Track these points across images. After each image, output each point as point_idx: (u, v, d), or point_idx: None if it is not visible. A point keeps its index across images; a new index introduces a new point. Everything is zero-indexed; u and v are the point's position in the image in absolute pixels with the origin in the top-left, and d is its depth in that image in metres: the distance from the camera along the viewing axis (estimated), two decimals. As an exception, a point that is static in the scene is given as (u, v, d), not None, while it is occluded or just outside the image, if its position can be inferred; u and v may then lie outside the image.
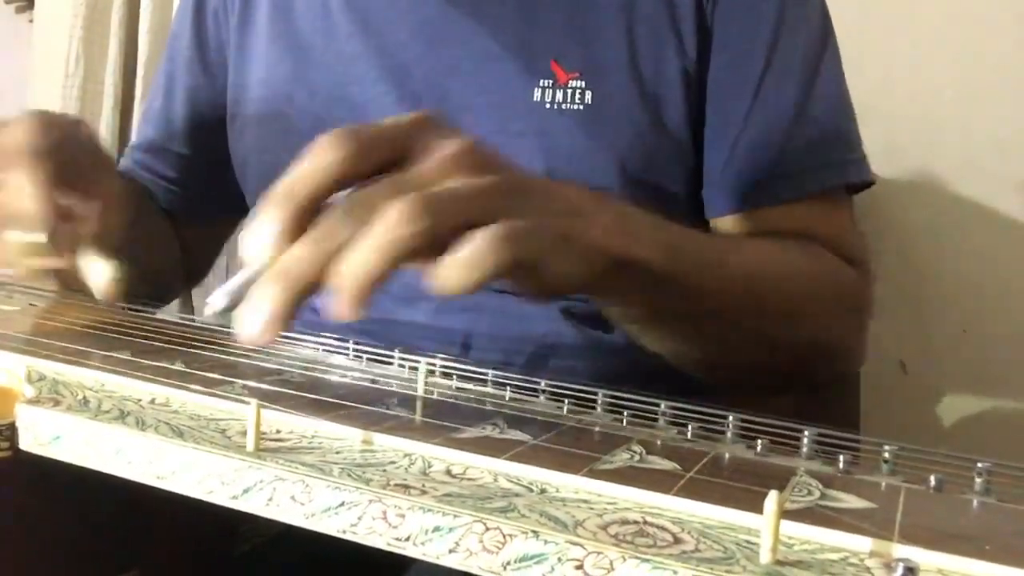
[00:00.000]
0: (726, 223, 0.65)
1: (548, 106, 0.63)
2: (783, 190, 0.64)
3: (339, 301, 0.34)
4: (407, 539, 0.27)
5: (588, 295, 0.47)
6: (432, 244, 0.34)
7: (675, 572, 0.24)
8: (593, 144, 0.63)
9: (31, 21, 1.63)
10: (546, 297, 0.41)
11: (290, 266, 0.34)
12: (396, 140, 0.37)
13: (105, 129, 1.44)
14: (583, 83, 0.63)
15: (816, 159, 0.65)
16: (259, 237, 0.35)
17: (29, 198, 0.52)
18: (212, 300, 0.36)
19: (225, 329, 0.57)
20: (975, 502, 0.32)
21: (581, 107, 0.63)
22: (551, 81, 0.64)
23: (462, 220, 0.35)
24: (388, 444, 0.34)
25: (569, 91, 0.63)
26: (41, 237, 0.53)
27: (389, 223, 0.34)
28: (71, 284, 0.75)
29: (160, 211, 0.80)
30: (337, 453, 0.32)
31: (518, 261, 0.36)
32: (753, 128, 0.64)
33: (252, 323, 0.34)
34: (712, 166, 0.66)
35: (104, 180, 0.57)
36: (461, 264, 0.35)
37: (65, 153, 0.54)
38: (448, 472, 0.31)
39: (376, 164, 0.36)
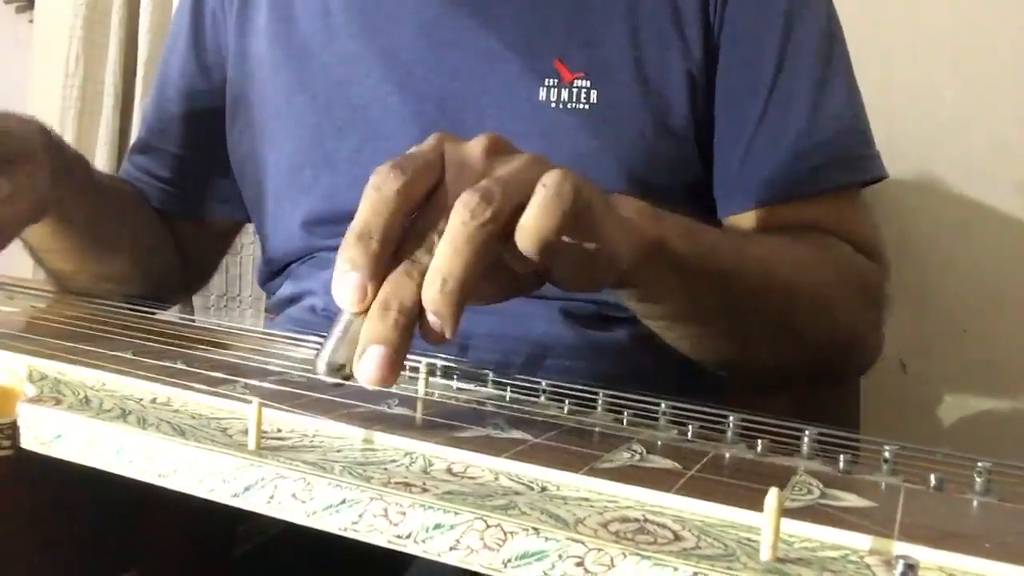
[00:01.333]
0: (743, 220, 0.66)
1: (553, 105, 0.64)
2: (802, 187, 0.65)
3: (439, 318, 0.35)
4: (408, 536, 0.27)
5: (621, 287, 0.47)
6: (503, 232, 0.36)
7: (675, 569, 0.24)
8: (597, 143, 0.63)
9: (31, 21, 1.63)
10: (591, 285, 0.42)
11: (391, 300, 0.35)
12: (435, 161, 0.38)
13: (105, 129, 1.45)
14: (588, 83, 0.64)
15: (833, 155, 0.65)
16: (347, 284, 0.35)
17: None
18: (319, 365, 0.36)
19: (225, 329, 0.58)
20: (975, 501, 0.32)
21: (586, 106, 0.63)
22: (556, 80, 0.64)
23: (520, 195, 0.36)
24: (389, 443, 0.34)
25: (574, 90, 0.64)
26: None
27: (457, 223, 0.34)
28: (71, 285, 0.75)
29: (150, 213, 0.80)
30: (338, 452, 0.32)
31: (579, 211, 0.37)
32: (769, 127, 0.65)
33: (372, 368, 0.34)
34: (727, 165, 0.66)
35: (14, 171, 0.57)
36: (537, 217, 0.36)
37: None
38: (449, 471, 0.31)
39: (427, 188, 0.37)
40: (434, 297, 0.34)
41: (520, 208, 0.36)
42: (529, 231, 0.36)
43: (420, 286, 0.35)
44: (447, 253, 0.34)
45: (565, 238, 0.37)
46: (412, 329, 0.35)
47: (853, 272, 0.63)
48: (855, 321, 0.63)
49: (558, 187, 0.36)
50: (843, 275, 0.62)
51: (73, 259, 0.72)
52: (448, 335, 0.35)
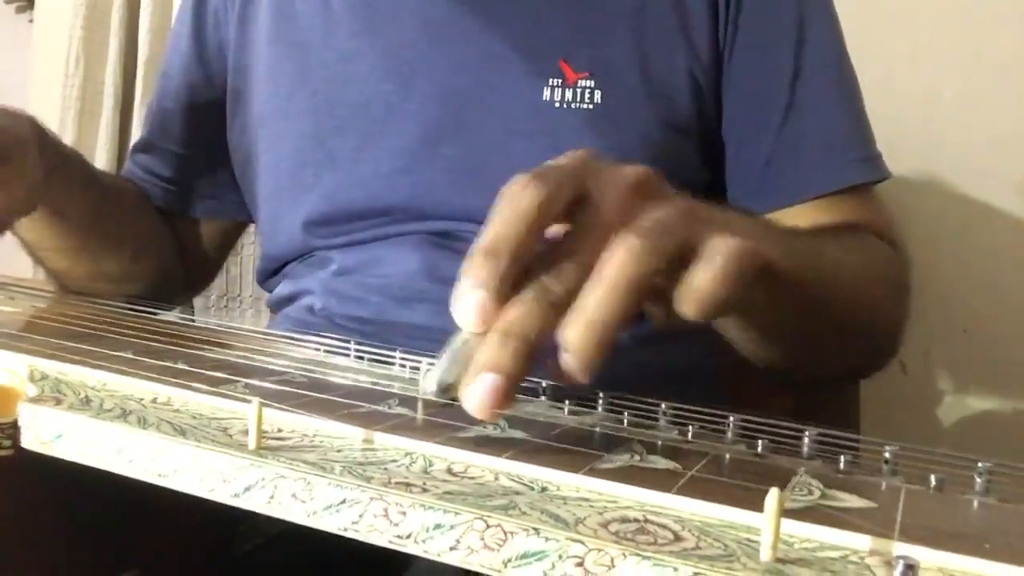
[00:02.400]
0: (779, 218, 0.66)
1: (557, 105, 0.64)
2: (831, 182, 0.65)
3: (576, 357, 0.32)
4: (408, 537, 0.27)
5: (731, 313, 0.45)
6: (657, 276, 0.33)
7: (675, 569, 0.24)
8: (602, 143, 0.63)
9: (31, 21, 1.63)
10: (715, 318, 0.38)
11: (514, 326, 0.32)
12: (578, 179, 0.35)
13: (105, 129, 1.45)
14: (592, 83, 0.64)
15: (859, 152, 0.66)
16: (470, 303, 0.32)
17: None
18: (425, 383, 0.34)
19: (226, 329, 0.58)
20: (975, 502, 0.32)
21: (590, 106, 0.63)
22: (560, 80, 0.64)
23: (680, 248, 0.34)
24: (389, 443, 0.34)
25: (578, 90, 0.64)
26: None
27: (617, 265, 0.32)
28: (70, 284, 0.75)
29: (151, 212, 0.80)
30: (338, 452, 0.32)
31: (745, 275, 0.35)
32: (795, 124, 0.65)
33: (481, 395, 0.31)
34: (751, 164, 0.66)
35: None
36: (713, 282, 0.34)
37: None
38: (449, 471, 0.31)
39: (565, 205, 0.34)
40: (578, 340, 0.32)
41: (680, 253, 0.34)
42: (700, 295, 0.34)
43: (546, 317, 0.32)
44: (602, 295, 0.32)
45: None
46: (530, 359, 0.32)
47: (893, 269, 0.63)
48: (898, 318, 0.63)
49: (739, 257, 0.34)
50: (885, 272, 0.62)
51: (69, 257, 0.72)
52: (582, 380, 0.32)
